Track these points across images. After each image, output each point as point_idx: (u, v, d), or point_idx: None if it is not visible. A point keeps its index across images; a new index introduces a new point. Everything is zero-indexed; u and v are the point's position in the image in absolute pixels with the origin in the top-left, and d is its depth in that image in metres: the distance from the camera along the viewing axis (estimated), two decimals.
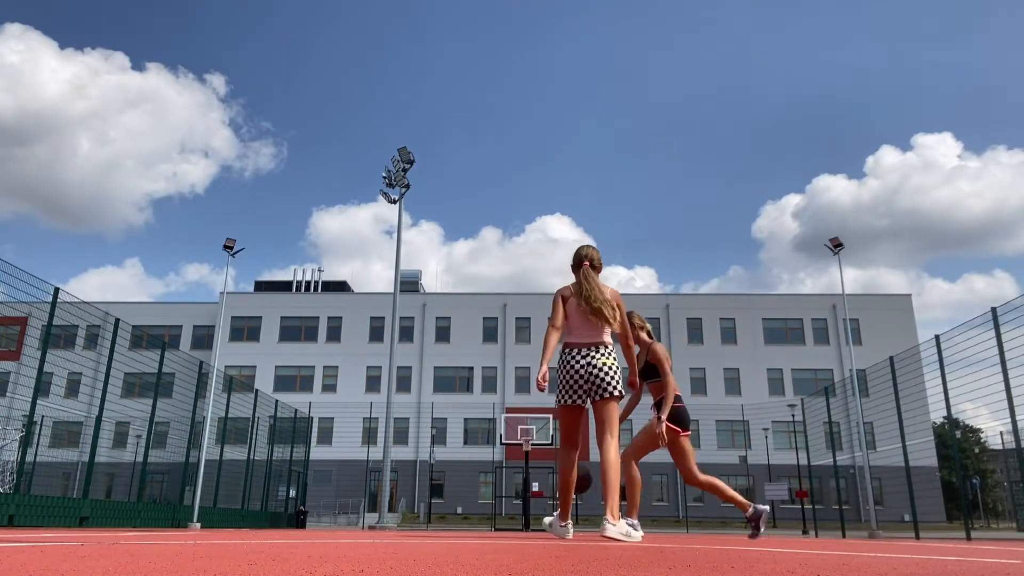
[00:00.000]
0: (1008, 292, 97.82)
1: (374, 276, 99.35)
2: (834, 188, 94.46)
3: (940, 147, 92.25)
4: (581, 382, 4.58)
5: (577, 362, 4.58)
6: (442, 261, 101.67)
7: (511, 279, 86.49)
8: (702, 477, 5.61)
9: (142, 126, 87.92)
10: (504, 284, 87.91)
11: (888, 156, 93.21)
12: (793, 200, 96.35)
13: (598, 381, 4.55)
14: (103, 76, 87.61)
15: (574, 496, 5.08)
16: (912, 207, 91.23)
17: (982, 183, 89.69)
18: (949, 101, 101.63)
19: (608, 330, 4.70)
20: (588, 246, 4.99)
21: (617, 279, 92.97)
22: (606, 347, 4.65)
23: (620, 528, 4.22)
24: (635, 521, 5.68)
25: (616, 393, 4.58)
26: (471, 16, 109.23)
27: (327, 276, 55.84)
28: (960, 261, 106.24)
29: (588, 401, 4.67)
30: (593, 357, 4.57)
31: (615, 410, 4.62)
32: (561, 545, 3.75)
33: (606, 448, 4.59)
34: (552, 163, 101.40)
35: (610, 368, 4.59)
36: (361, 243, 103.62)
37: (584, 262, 4.82)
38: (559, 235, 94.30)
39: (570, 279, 4.92)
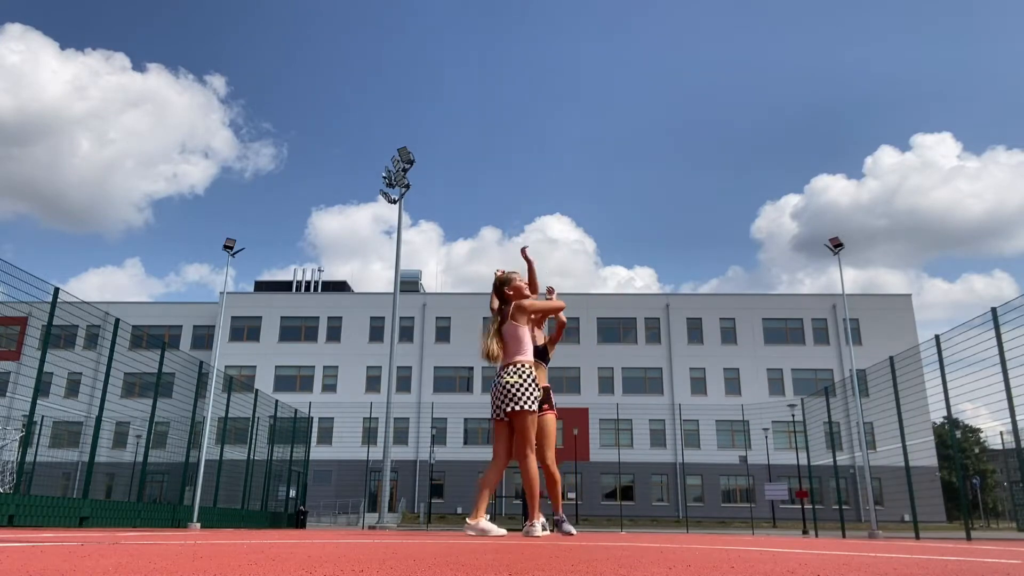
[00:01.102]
0: (1007, 292, 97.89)
1: (373, 276, 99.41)
2: (833, 188, 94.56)
3: (939, 147, 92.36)
4: (494, 400, 5.02)
5: (494, 381, 5.07)
6: (441, 261, 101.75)
7: None
8: (550, 465, 5.61)
9: (142, 127, 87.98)
10: None
11: (887, 156, 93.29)
12: (792, 200, 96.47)
13: (502, 398, 4.94)
14: (103, 77, 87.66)
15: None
16: (911, 207, 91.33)
17: (981, 183, 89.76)
18: (948, 101, 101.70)
19: (524, 346, 5.04)
20: (504, 275, 5.33)
21: (617, 279, 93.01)
22: (515, 365, 4.98)
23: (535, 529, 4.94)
24: (542, 520, 5.66)
25: (519, 408, 4.87)
26: (471, 16, 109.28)
27: (327, 276, 55.86)
28: (959, 261, 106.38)
29: (502, 416, 5.01)
30: (500, 377, 4.99)
31: (526, 424, 4.93)
32: (561, 545, 3.75)
33: (521, 461, 5.02)
34: (552, 163, 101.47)
35: (513, 386, 4.89)
36: (360, 243, 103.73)
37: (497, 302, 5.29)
38: (559, 235, 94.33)
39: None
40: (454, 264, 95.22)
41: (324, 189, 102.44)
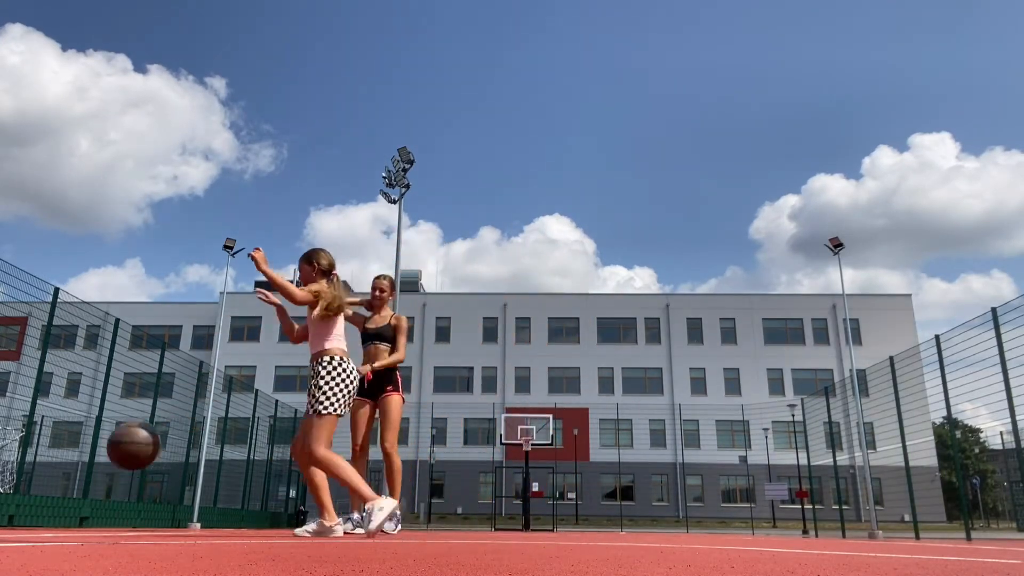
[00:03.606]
0: (1006, 292, 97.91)
1: (372, 276, 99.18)
2: (831, 189, 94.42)
3: (938, 147, 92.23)
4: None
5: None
6: (440, 261, 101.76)
7: (509, 279, 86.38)
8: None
9: (143, 128, 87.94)
10: (501, 284, 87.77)
11: (885, 156, 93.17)
12: (790, 201, 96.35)
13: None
14: (104, 78, 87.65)
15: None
16: (910, 208, 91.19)
17: (980, 184, 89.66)
18: (947, 101, 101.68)
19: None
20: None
21: (617, 279, 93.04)
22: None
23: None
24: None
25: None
26: (471, 16, 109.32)
27: None
28: (958, 261, 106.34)
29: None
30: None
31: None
32: (560, 545, 3.75)
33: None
34: (551, 163, 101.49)
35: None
36: (359, 243, 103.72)
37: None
38: (558, 236, 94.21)
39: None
40: (452, 264, 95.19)
41: (323, 189, 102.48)
